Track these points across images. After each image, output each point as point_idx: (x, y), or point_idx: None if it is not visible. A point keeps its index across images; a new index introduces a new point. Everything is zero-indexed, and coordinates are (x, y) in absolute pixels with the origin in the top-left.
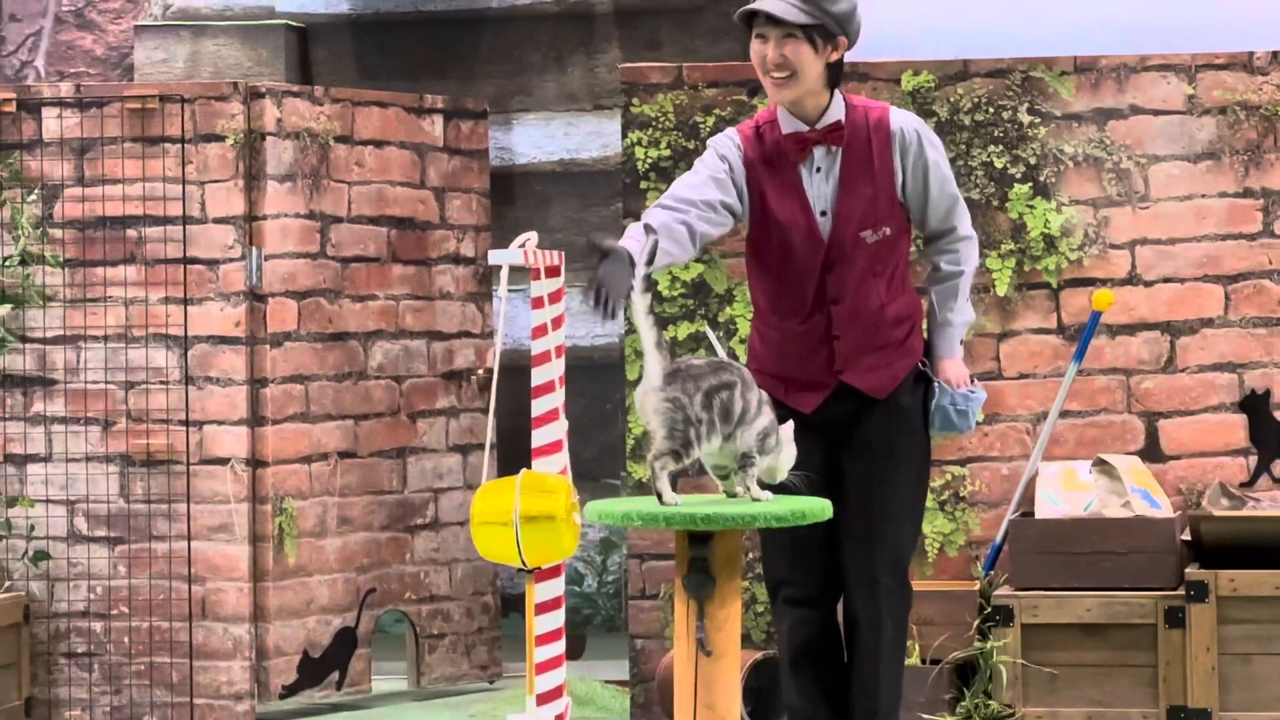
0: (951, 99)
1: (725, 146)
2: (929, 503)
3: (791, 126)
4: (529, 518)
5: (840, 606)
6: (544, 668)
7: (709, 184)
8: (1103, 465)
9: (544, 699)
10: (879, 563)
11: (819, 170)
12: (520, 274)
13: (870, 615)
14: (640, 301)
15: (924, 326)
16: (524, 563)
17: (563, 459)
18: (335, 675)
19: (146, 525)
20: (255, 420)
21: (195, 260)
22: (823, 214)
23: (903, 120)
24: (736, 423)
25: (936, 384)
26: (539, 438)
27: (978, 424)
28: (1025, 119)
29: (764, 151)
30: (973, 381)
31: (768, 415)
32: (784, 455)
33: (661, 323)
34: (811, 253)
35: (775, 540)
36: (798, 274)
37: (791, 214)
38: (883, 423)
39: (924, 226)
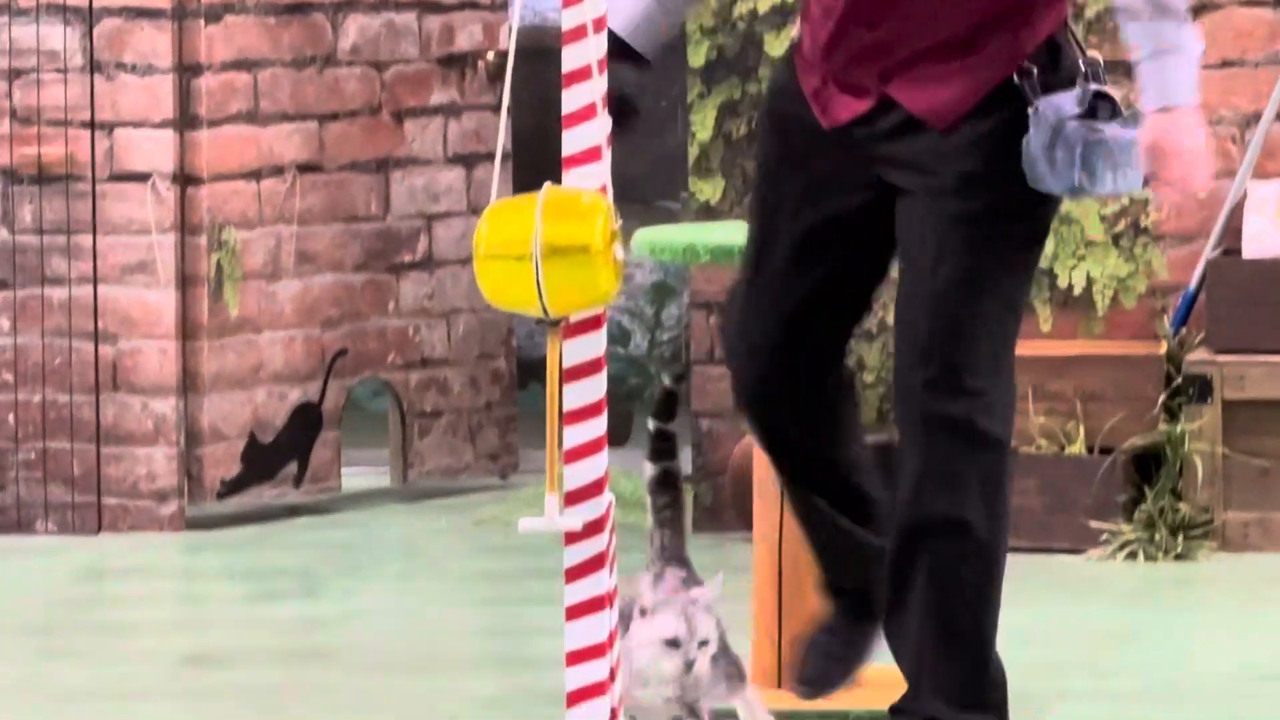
0: None
1: None
2: (1098, 235)
3: None
4: (555, 249)
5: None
6: (574, 456)
7: None
8: None
9: (574, 498)
10: (972, 380)
11: None
12: None
13: (929, 468)
14: None
15: (1040, 26)
16: (546, 311)
17: (602, 173)
18: (293, 467)
19: (38, 264)
20: (185, 122)
21: None
22: None
23: None
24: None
25: (1033, 113)
26: (570, 143)
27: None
28: None
29: None
30: (1122, 116)
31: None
32: None
33: None
34: None
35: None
36: None
37: None
38: (947, 166)
39: None
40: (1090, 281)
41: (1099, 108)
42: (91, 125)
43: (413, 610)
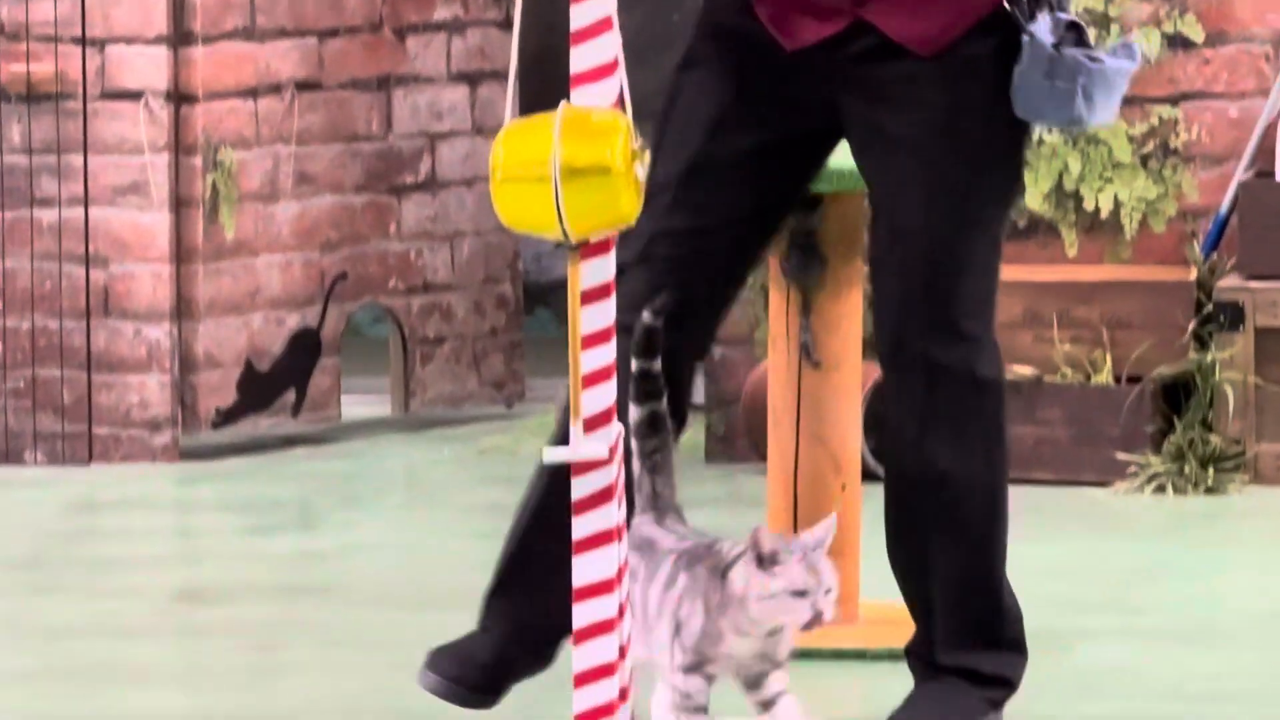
0: None
1: None
2: (1126, 156)
3: None
4: (574, 170)
5: None
6: (593, 380)
7: None
8: None
9: (592, 424)
10: (941, 318)
11: None
12: None
13: (930, 416)
14: None
15: None
16: (566, 233)
17: (616, 88)
18: (291, 396)
19: (27, 186)
20: (178, 38)
21: None
22: None
23: None
24: None
25: (1026, 40)
26: (580, 59)
27: (1192, 49)
28: None
29: None
30: (1106, 44)
31: None
32: None
33: None
34: None
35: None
36: None
37: None
38: (933, 96)
39: None
40: (1118, 204)
41: (1067, 38)
42: (83, 41)
43: (414, 543)
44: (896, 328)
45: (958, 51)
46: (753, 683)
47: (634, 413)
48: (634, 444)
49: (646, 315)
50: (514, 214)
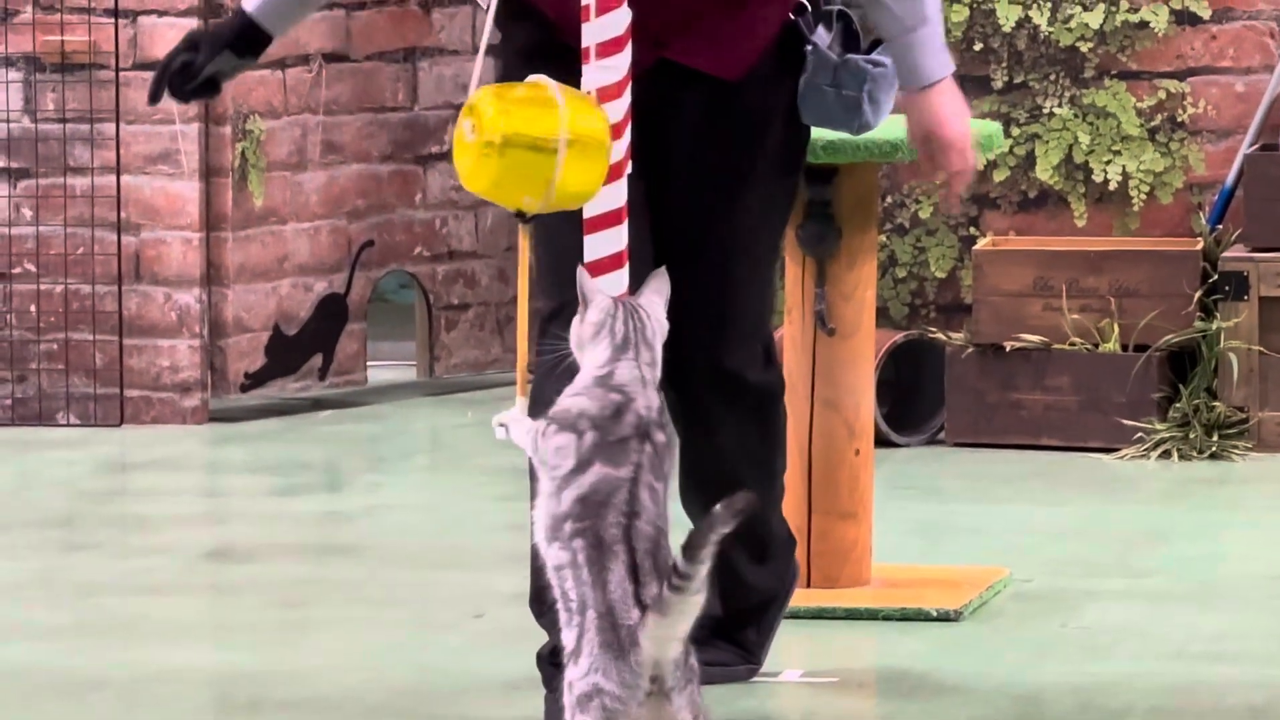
0: None
1: None
2: (1134, 130)
3: None
4: (580, 140)
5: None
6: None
7: None
8: None
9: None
10: (730, 341)
11: None
12: None
13: (716, 420)
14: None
15: None
16: (545, 202)
17: (624, 65)
18: (318, 360)
19: (60, 153)
20: (209, 9)
21: None
22: None
23: None
24: None
25: (810, 52)
26: (590, 34)
27: (1200, 25)
28: None
29: None
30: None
31: None
32: None
33: None
34: None
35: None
36: None
37: None
38: (731, 123)
39: None
40: (1126, 177)
41: (842, 32)
42: (115, 13)
43: (438, 505)
44: (688, 348)
45: (757, 74)
46: None
47: None
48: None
49: None
50: (497, 179)
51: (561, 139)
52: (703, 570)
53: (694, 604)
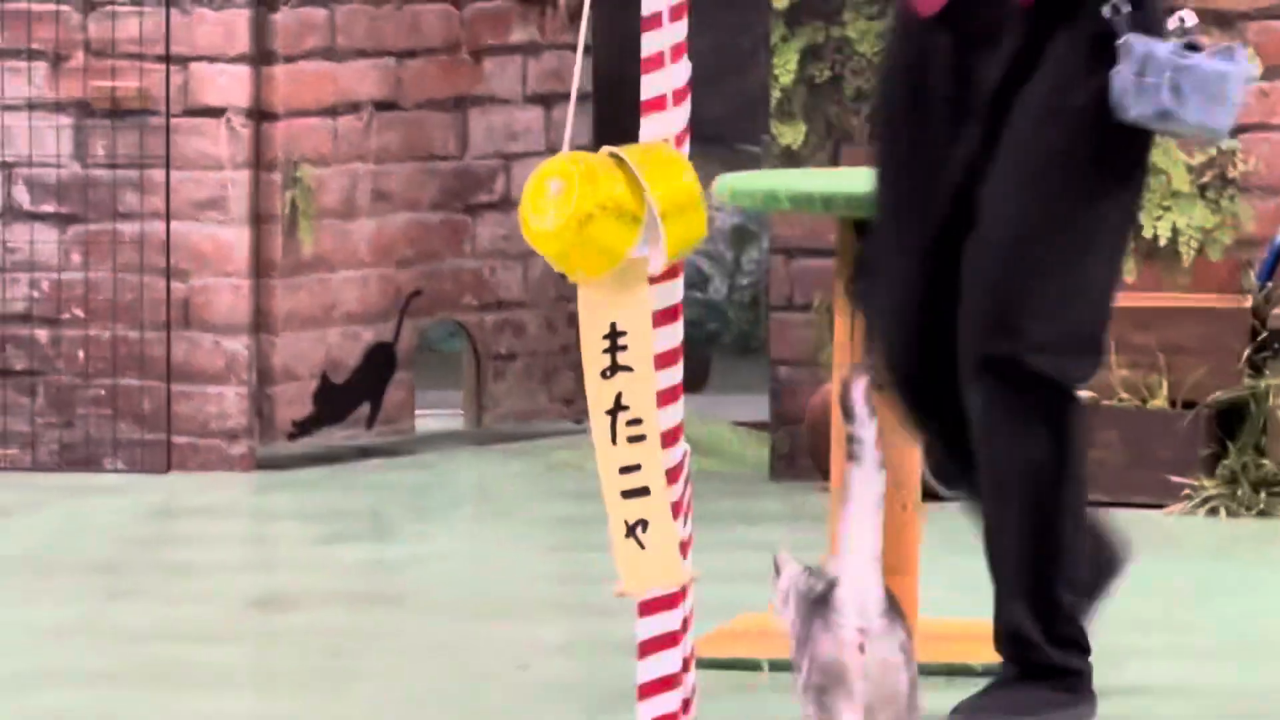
0: None
1: None
2: (1184, 186)
3: None
4: (674, 207)
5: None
6: (662, 401)
7: None
8: None
9: (665, 439)
10: (1028, 320)
11: None
12: None
13: (1004, 425)
14: None
15: None
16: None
17: (678, 120)
18: (365, 408)
19: (110, 199)
20: (260, 57)
21: None
22: None
23: None
24: None
25: (1121, 44)
26: (650, 87)
27: (1253, 81)
28: None
29: None
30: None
31: None
32: None
33: None
34: None
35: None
36: None
37: None
38: (1061, 64)
39: None
40: (1176, 233)
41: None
42: (166, 59)
43: (483, 555)
44: (974, 328)
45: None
46: None
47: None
48: None
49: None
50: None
51: (650, 208)
52: None
53: None
